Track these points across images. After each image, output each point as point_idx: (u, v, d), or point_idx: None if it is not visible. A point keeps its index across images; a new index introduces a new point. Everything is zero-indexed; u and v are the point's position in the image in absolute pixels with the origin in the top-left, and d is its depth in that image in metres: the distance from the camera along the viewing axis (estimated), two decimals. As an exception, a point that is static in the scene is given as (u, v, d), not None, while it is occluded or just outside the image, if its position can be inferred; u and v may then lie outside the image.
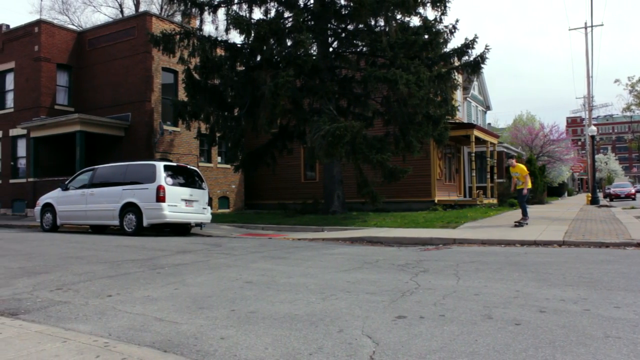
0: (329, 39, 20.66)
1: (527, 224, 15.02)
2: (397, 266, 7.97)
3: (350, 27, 20.51)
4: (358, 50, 21.00)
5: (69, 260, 8.72)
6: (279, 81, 16.79)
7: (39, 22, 25.98)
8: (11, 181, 26.74)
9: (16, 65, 26.63)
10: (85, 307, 5.18)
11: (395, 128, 19.74)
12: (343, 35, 20.80)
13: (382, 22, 19.36)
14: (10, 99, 27.26)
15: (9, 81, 27.29)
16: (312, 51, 19.21)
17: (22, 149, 26.56)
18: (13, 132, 26.49)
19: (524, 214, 15.47)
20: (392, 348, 3.71)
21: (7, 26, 27.62)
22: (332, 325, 4.37)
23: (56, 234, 15.53)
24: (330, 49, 20.75)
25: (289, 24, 19.08)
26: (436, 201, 24.18)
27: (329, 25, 20.40)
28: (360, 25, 19.65)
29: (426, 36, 19.02)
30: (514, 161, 16.03)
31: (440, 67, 19.62)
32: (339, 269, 7.74)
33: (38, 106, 25.33)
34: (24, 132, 25.68)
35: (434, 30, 19.07)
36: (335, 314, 4.77)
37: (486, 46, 19.28)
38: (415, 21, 20.37)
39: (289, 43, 19.13)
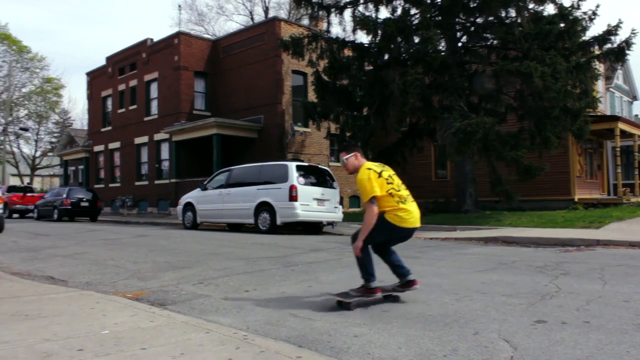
0: (457, 33, 20.13)
1: None
2: (535, 268, 7.60)
3: (479, 20, 19.83)
4: (488, 43, 20.25)
5: (208, 256, 9.22)
6: (408, 79, 16.64)
7: (178, 34, 27.76)
8: (156, 182, 28.84)
9: (159, 75, 28.69)
10: (224, 301, 5.45)
11: (530, 123, 18.84)
12: (472, 29, 20.16)
13: (513, 13, 18.52)
14: (154, 106, 29.46)
15: (153, 90, 29.49)
16: (440, 47, 18.86)
17: (165, 152, 28.59)
18: (157, 136, 28.56)
19: None
20: (532, 354, 3.53)
21: (152, 40, 29.85)
22: (467, 327, 4.25)
23: (196, 232, 16.48)
24: (459, 44, 20.21)
25: (416, 21, 18.82)
26: (576, 199, 22.76)
27: (457, 19, 19.88)
28: (490, 18, 18.95)
29: (562, 25, 17.99)
30: None
31: (578, 56, 18.42)
32: (473, 270, 7.52)
33: (178, 112, 27.10)
34: (167, 136, 27.58)
35: (570, 17, 17.98)
36: (470, 316, 4.64)
37: (632, 30, 17.77)
38: (549, 9, 19.30)
39: (416, 40, 18.88)
